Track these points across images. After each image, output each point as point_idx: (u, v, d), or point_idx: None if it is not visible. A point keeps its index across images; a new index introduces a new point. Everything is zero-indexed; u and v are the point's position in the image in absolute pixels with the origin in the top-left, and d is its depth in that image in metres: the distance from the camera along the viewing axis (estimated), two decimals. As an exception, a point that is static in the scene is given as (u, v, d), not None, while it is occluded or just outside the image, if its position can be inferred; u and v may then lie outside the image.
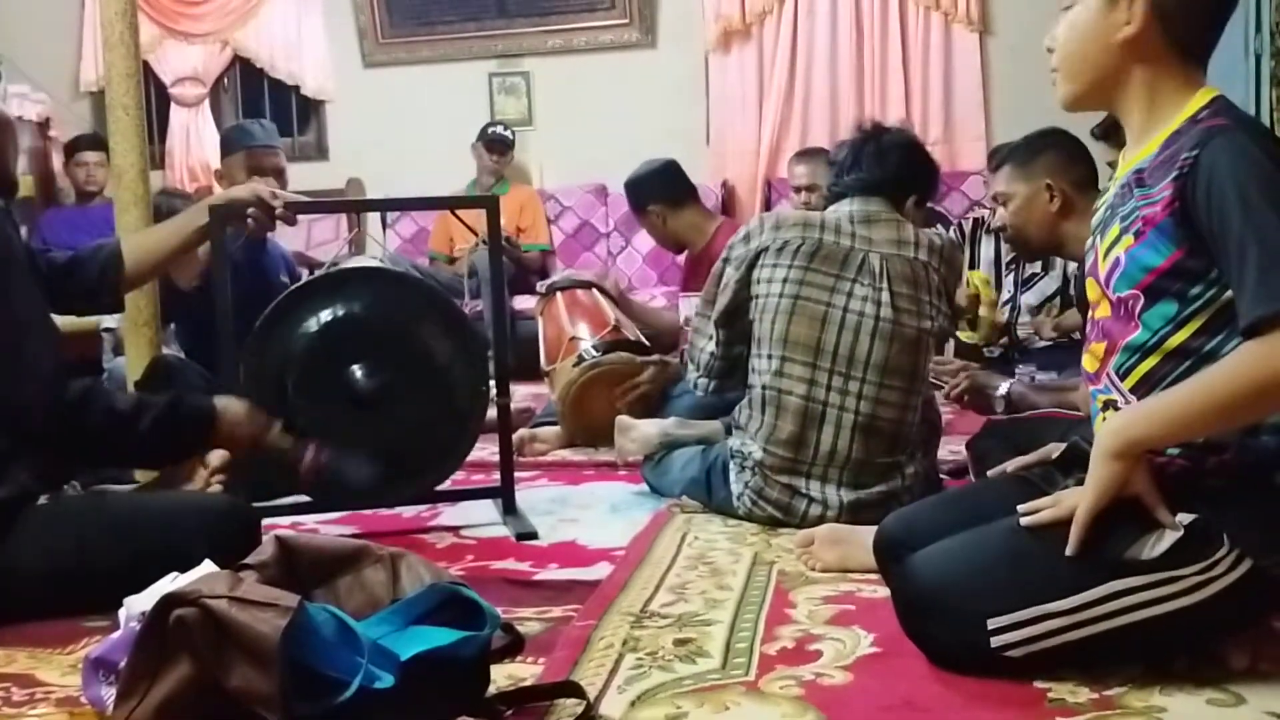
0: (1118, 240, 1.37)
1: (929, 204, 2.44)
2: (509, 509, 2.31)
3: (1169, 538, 1.28)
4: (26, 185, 5.24)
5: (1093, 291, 1.45)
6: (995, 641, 1.31)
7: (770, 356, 2.16)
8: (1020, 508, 1.37)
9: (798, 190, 3.97)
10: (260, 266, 2.88)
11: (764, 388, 2.17)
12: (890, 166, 2.25)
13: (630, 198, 3.59)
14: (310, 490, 2.15)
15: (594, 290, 3.51)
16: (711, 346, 2.27)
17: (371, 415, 2.15)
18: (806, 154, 4.13)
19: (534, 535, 2.18)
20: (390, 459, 2.20)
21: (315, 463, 2.03)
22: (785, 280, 2.17)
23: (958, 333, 3.43)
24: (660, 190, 3.50)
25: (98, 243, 2.14)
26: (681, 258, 3.73)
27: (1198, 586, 1.27)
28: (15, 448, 1.76)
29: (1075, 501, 1.31)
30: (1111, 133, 2.86)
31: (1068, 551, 1.29)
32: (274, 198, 2.16)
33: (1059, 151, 2.42)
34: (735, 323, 2.24)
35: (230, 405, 1.96)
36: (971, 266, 3.88)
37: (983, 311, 3.27)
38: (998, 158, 3.42)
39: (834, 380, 2.14)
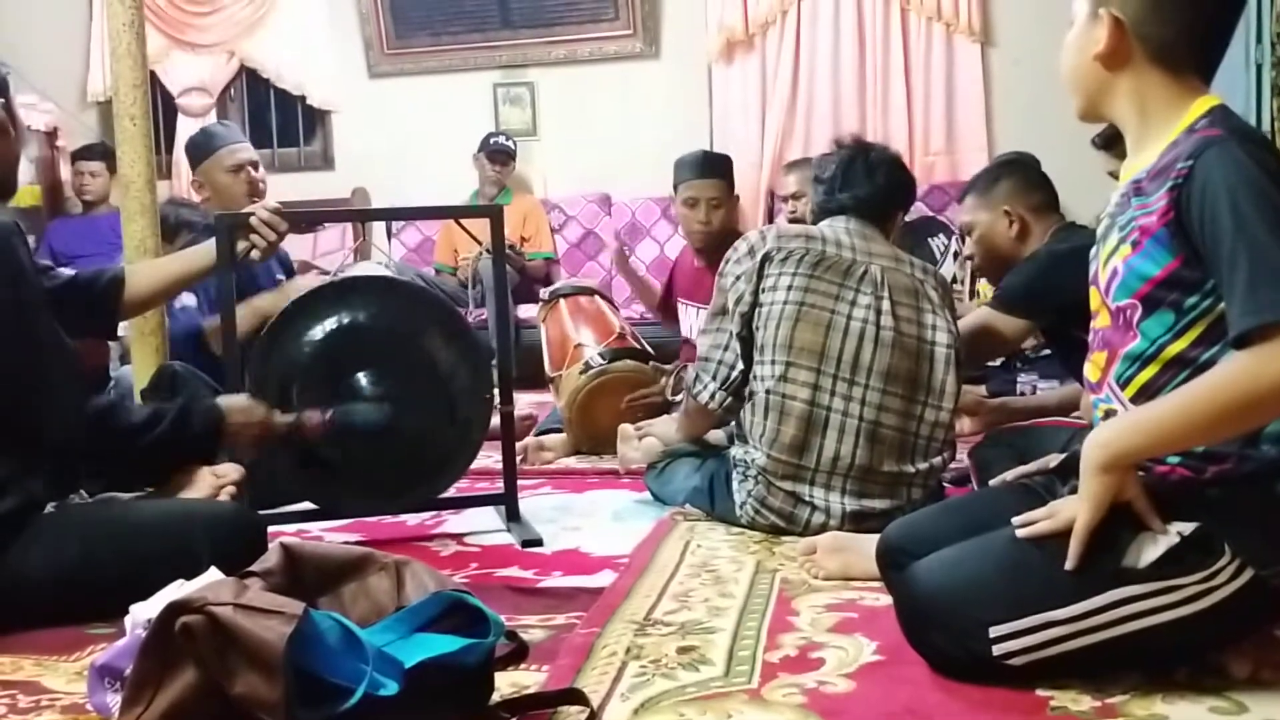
0: (1116, 250, 1.38)
1: (907, 217, 2.51)
2: (512, 516, 2.32)
3: (1163, 543, 1.28)
4: (34, 195, 5.28)
5: (1094, 301, 1.45)
6: (997, 650, 1.31)
7: (774, 362, 2.16)
8: (1015, 520, 1.37)
9: (786, 199, 3.98)
10: (257, 269, 2.89)
11: (768, 393, 2.16)
12: (880, 182, 2.29)
13: (731, 169, 3.42)
14: (328, 446, 2.14)
15: (597, 297, 3.52)
16: (731, 359, 2.22)
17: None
18: (797, 164, 4.14)
19: (539, 542, 2.18)
20: (394, 467, 2.21)
21: (322, 423, 2.08)
22: (790, 287, 2.18)
23: None
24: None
25: (99, 267, 2.16)
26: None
27: (1199, 596, 1.27)
28: (29, 464, 1.76)
29: (1071, 513, 1.31)
30: (1113, 143, 2.89)
31: (1067, 566, 1.29)
32: (276, 216, 2.16)
33: (1016, 178, 2.48)
34: (751, 334, 2.21)
35: (233, 401, 2.02)
36: (973, 276, 3.90)
37: None
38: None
39: (838, 386, 2.14)
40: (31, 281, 1.83)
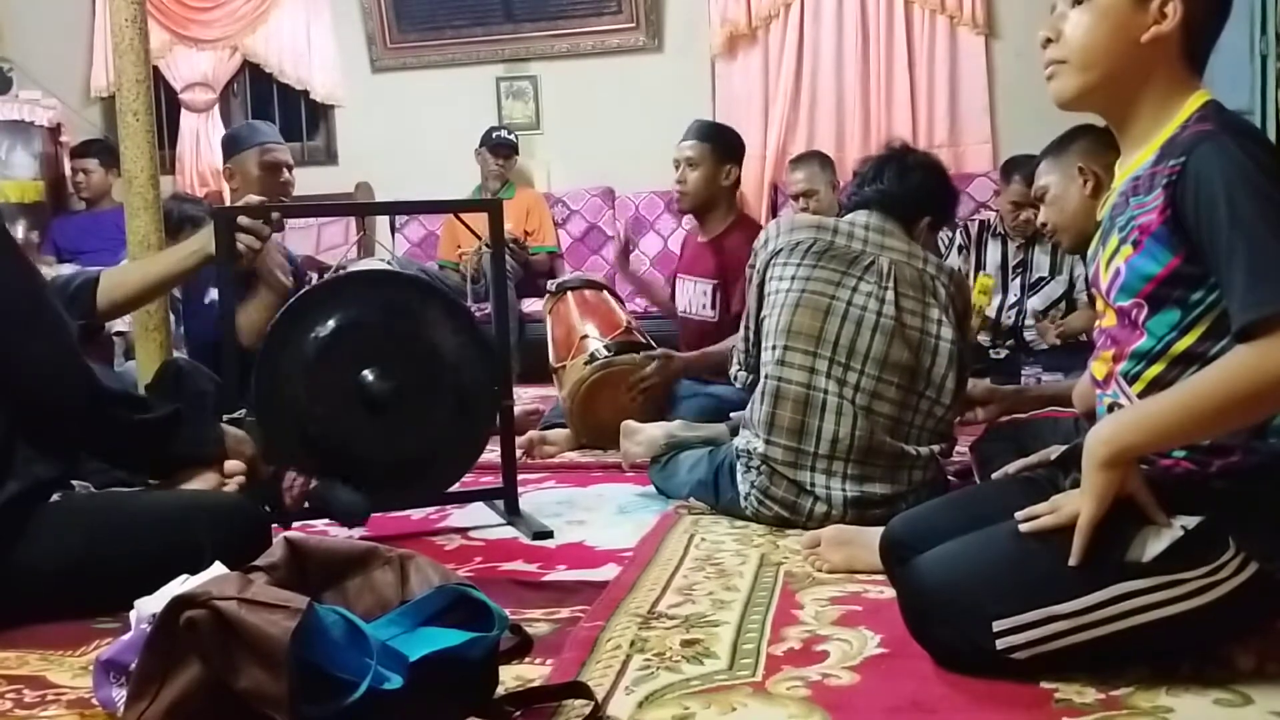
0: (1117, 251, 1.37)
1: (942, 228, 2.49)
2: (512, 509, 2.32)
3: (1167, 536, 1.28)
4: (38, 191, 5.29)
5: (1098, 302, 1.45)
6: (1000, 644, 1.31)
7: (774, 348, 2.21)
8: (1018, 514, 1.37)
9: (795, 197, 3.95)
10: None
11: (767, 378, 2.21)
12: (910, 184, 2.31)
13: (723, 139, 3.37)
14: (293, 518, 2.13)
15: (604, 291, 3.52)
16: (741, 344, 2.39)
17: (383, 418, 2.16)
18: (802, 159, 4.08)
19: (549, 534, 2.19)
20: (402, 461, 2.21)
21: (300, 490, 2.07)
22: (794, 277, 2.23)
23: None
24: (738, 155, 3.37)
25: (75, 271, 2.17)
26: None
27: (1203, 590, 1.27)
28: (37, 451, 1.75)
29: (1074, 508, 1.30)
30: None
31: (1071, 561, 1.29)
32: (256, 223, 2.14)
33: (1089, 139, 2.46)
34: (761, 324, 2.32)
35: (230, 428, 2.00)
36: (978, 269, 3.89)
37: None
38: (1026, 166, 3.45)
39: (833, 369, 2.16)
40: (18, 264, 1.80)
